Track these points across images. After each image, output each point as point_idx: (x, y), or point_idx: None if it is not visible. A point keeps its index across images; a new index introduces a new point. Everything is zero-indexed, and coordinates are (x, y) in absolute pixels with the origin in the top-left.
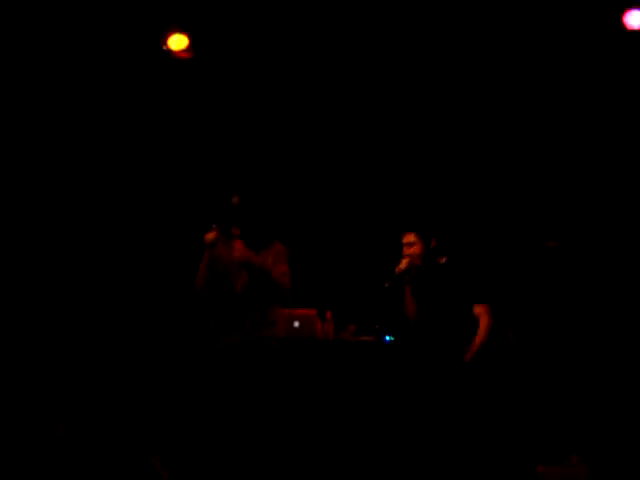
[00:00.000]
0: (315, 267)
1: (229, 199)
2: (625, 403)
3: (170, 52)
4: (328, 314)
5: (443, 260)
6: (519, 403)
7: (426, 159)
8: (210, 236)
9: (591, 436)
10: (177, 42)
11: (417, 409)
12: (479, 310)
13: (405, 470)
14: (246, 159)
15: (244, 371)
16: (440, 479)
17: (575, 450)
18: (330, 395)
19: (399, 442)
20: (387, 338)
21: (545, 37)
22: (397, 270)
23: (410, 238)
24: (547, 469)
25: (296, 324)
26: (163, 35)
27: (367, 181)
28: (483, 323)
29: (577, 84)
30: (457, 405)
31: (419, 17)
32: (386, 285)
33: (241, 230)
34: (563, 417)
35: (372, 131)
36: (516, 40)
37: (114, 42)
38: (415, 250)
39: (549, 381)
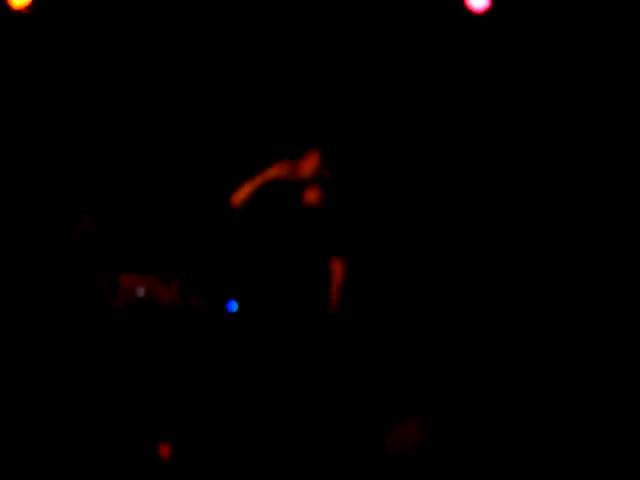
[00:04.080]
0: (160, 232)
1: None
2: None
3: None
4: (173, 280)
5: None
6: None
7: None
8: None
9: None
10: None
11: (264, 376)
12: (335, 264)
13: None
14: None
15: (87, 337)
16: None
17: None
18: (176, 361)
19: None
20: (232, 305)
21: (385, 18)
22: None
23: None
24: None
25: (140, 290)
26: None
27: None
28: (338, 276)
29: (421, 66)
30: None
31: None
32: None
33: None
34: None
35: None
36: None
37: None
38: (310, 165)
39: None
